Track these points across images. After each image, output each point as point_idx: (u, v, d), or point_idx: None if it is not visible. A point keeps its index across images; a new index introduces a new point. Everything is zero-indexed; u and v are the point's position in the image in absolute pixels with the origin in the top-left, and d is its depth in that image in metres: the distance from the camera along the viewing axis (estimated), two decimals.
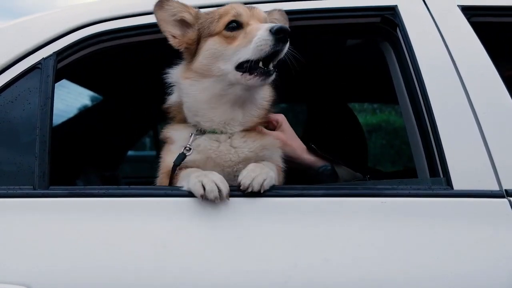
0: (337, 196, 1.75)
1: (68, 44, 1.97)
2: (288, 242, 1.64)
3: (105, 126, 4.06)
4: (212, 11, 1.97)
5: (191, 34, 1.97)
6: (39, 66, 1.91)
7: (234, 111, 1.95)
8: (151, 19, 2.00)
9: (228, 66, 1.87)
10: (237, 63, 1.85)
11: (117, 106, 4.15)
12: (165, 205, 1.74)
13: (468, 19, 2.00)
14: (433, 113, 1.82)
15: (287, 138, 2.16)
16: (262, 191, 1.70)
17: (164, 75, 2.06)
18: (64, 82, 3.38)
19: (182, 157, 1.89)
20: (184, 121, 2.01)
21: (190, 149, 1.90)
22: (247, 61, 1.82)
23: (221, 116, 1.94)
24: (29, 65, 1.91)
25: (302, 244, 1.64)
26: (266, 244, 1.65)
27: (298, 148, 2.19)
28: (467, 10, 2.03)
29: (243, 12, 1.90)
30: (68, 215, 1.71)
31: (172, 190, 1.79)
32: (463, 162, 1.75)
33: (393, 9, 2.05)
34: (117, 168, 4.46)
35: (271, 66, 1.83)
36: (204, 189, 1.67)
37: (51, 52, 1.94)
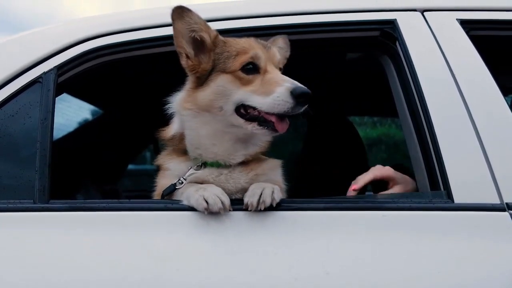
0: (338, 210, 1.74)
1: (69, 58, 1.98)
2: (288, 255, 1.64)
3: (105, 140, 4.06)
4: (229, 43, 1.87)
5: (206, 65, 1.85)
6: (40, 80, 1.91)
7: (237, 146, 1.89)
8: (152, 33, 2.00)
9: (229, 107, 1.82)
10: (238, 104, 1.80)
11: (118, 120, 4.15)
12: (166, 219, 1.73)
13: (467, 32, 2.01)
14: (433, 126, 1.82)
15: None
16: (274, 205, 1.68)
17: (165, 104, 1.98)
18: (64, 96, 3.39)
19: (171, 188, 1.85)
20: (183, 152, 1.95)
21: (182, 182, 1.85)
22: (251, 107, 1.79)
23: (224, 152, 1.88)
24: (30, 79, 1.92)
25: (303, 257, 1.63)
26: (267, 257, 1.64)
27: None
28: (466, 24, 2.04)
29: (262, 55, 1.82)
30: (69, 229, 1.70)
31: (173, 204, 1.78)
32: (464, 175, 1.75)
33: (392, 23, 2.06)
34: (117, 182, 4.45)
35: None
36: (207, 202, 1.66)
37: (52, 66, 1.94)
